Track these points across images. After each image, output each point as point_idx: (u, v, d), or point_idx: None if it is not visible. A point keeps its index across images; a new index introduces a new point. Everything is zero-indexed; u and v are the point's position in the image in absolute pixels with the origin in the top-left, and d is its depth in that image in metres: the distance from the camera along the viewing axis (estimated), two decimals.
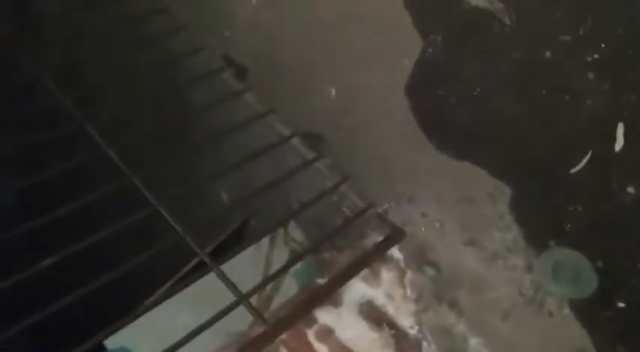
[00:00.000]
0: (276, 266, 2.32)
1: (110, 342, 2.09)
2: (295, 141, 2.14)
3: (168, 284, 2.20)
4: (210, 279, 1.76)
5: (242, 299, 1.68)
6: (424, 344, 1.91)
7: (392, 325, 1.93)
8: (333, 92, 2.07)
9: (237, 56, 2.32)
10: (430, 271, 1.96)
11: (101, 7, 2.30)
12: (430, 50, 1.75)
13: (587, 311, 1.69)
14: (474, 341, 1.88)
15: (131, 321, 1.68)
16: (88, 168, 1.88)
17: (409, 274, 1.99)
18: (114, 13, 2.34)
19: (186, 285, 1.75)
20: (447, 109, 1.77)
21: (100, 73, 2.20)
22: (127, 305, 1.87)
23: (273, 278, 1.89)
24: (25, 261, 1.64)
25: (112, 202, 1.87)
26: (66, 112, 1.93)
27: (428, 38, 1.74)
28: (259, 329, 1.73)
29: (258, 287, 1.79)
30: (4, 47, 2.04)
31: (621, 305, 1.62)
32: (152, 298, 2.00)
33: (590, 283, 1.64)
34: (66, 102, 1.94)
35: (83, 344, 1.57)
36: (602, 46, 1.44)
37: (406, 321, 1.94)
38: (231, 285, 1.71)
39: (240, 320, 1.83)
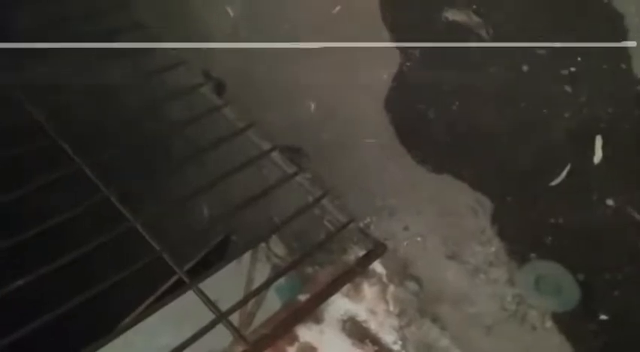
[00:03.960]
0: (257, 282, 2.29)
1: None
2: (275, 155, 2.12)
3: (146, 303, 2.17)
4: (190, 297, 1.73)
5: (221, 317, 1.65)
6: None
7: (375, 341, 1.91)
8: (313, 106, 2.05)
9: (215, 70, 2.30)
10: (413, 286, 1.94)
11: (75, 22, 2.27)
12: (408, 64, 1.75)
13: (570, 324, 1.68)
14: None
15: (108, 342, 1.64)
16: (63, 185, 1.85)
17: (392, 289, 1.97)
18: (89, 28, 2.31)
19: (165, 304, 1.72)
20: (427, 123, 1.77)
21: (75, 88, 2.17)
22: (103, 325, 1.83)
23: (254, 294, 1.86)
24: None
25: (89, 220, 1.83)
26: (40, 128, 1.90)
27: (406, 52, 1.74)
28: (240, 348, 1.70)
29: (239, 305, 1.76)
30: None
31: (604, 317, 1.61)
32: (130, 318, 1.96)
33: (573, 296, 1.64)
34: (40, 117, 1.91)
35: None
36: (578, 59, 1.44)
37: (389, 337, 1.92)
38: (211, 304, 1.68)
39: (222, 338, 1.80)
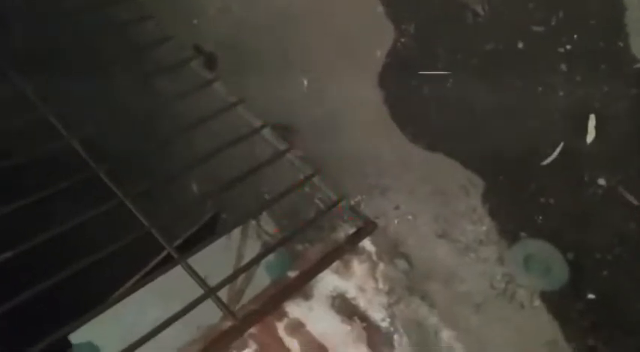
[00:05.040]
0: (247, 258, 2.29)
1: (75, 337, 2.05)
2: (266, 132, 2.10)
3: (135, 278, 2.16)
4: (179, 272, 1.72)
5: (210, 292, 1.65)
6: (396, 337, 1.90)
7: (363, 318, 1.91)
8: (305, 82, 2.03)
9: (206, 45, 2.27)
10: (402, 264, 1.94)
11: None
12: (403, 40, 1.73)
13: (558, 303, 1.69)
14: (445, 334, 1.88)
15: (97, 315, 1.64)
16: (52, 161, 1.83)
17: (381, 266, 1.97)
18: (79, 1, 2.27)
19: (154, 279, 1.71)
20: (420, 100, 1.75)
21: (65, 62, 2.13)
22: (93, 299, 1.82)
23: (243, 270, 1.85)
24: None
25: (78, 195, 1.82)
26: (29, 103, 1.87)
27: (400, 28, 1.72)
28: (228, 323, 1.70)
29: (227, 281, 1.75)
30: None
31: (591, 296, 1.62)
32: (119, 292, 1.95)
33: (562, 275, 1.64)
34: (29, 91, 1.88)
35: (47, 339, 1.53)
36: (575, 36, 1.43)
37: (378, 314, 1.93)
38: (199, 279, 1.67)
39: (212, 313, 1.80)
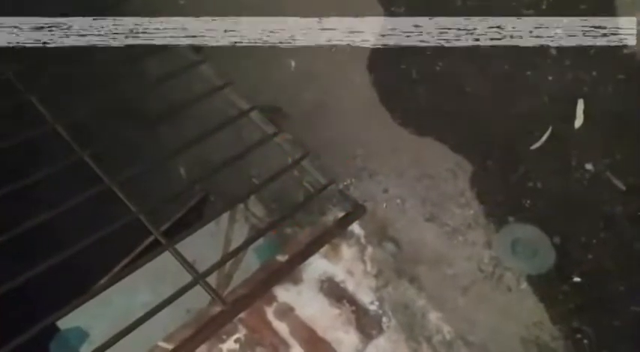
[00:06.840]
0: (236, 242, 2.28)
1: (63, 322, 2.04)
2: (255, 115, 2.08)
3: (122, 264, 2.15)
4: (168, 256, 1.72)
5: (199, 278, 1.65)
6: (384, 319, 1.91)
7: (352, 301, 1.92)
8: (293, 64, 2.01)
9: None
10: (391, 247, 1.95)
11: None
12: (392, 23, 1.71)
13: (544, 286, 1.71)
14: (433, 316, 1.89)
15: (85, 301, 1.63)
16: (36, 145, 1.80)
17: (370, 250, 1.97)
18: None
19: (141, 265, 1.70)
20: (409, 84, 1.74)
21: (48, 46, 2.09)
22: (80, 285, 1.82)
23: (232, 255, 1.85)
24: None
25: (64, 181, 1.80)
26: (9, 84, 1.83)
27: (390, 10, 1.70)
28: (218, 308, 1.70)
29: (216, 266, 1.75)
30: None
31: (577, 280, 1.64)
32: (107, 278, 1.95)
33: (548, 259, 1.66)
34: (8, 73, 1.84)
35: (35, 326, 1.52)
36: (564, 21, 1.42)
37: (366, 297, 1.94)
38: (187, 265, 1.66)
39: (200, 298, 1.80)
